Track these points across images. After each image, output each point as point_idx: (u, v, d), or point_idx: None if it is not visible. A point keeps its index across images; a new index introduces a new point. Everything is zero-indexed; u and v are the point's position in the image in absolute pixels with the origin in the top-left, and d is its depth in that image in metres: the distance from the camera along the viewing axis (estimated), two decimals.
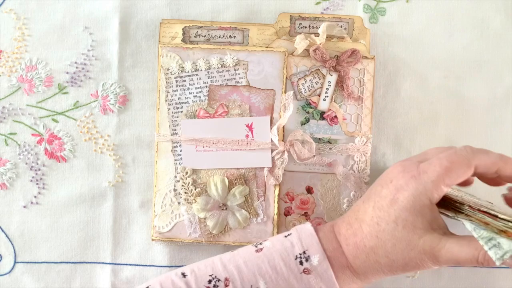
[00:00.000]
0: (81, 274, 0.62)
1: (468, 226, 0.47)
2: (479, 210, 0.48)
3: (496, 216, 0.46)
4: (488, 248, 0.45)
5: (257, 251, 0.52)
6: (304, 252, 0.51)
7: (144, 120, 0.63)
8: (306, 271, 0.50)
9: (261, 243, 0.53)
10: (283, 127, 0.60)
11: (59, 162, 0.63)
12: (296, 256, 0.51)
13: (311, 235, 0.52)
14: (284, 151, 0.60)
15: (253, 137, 0.60)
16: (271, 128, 0.60)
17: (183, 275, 0.51)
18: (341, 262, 0.51)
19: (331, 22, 0.61)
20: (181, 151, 0.60)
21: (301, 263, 0.51)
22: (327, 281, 0.50)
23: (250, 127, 0.60)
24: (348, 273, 0.51)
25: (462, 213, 0.49)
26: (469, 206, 0.49)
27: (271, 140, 0.60)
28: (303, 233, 0.52)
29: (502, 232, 0.45)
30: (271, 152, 0.60)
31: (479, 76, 0.63)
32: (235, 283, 0.50)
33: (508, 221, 0.45)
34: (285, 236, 0.53)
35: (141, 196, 0.63)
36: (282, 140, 0.60)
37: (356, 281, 0.52)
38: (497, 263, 0.44)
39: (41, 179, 0.63)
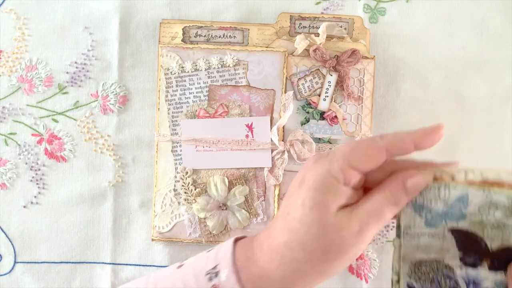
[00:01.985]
0: (81, 274, 0.62)
1: None
2: None
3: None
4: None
5: (178, 267, 0.49)
6: (214, 267, 0.47)
7: (144, 120, 0.63)
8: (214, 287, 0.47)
9: (187, 258, 0.51)
10: (283, 127, 0.60)
11: (59, 162, 0.63)
12: (207, 272, 0.47)
13: (226, 249, 0.48)
14: (284, 151, 0.60)
15: (253, 137, 0.60)
16: (271, 128, 0.60)
17: None
18: (253, 272, 0.46)
19: (331, 22, 0.61)
20: (181, 151, 0.60)
21: (210, 278, 0.47)
22: None
23: (250, 127, 0.60)
24: (263, 283, 0.46)
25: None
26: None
27: (271, 140, 0.60)
28: (222, 246, 0.48)
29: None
30: (271, 152, 0.60)
31: (479, 76, 0.63)
32: None
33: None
34: (208, 251, 0.49)
35: (141, 196, 0.63)
36: (282, 140, 0.60)
37: None
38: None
39: (41, 179, 0.63)
